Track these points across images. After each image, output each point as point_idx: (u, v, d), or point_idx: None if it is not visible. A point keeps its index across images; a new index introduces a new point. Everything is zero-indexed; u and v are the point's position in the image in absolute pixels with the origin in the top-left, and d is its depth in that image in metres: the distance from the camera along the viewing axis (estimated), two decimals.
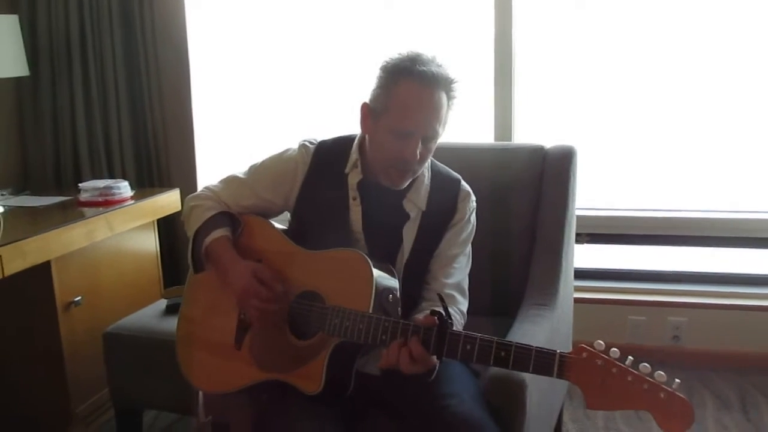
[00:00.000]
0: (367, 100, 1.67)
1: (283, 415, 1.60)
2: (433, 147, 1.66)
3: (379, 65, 1.64)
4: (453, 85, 1.63)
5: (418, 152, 1.60)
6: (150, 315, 2.43)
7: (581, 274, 2.91)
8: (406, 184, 1.69)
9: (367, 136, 1.71)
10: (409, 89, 1.59)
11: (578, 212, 2.25)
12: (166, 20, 3.14)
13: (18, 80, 3.16)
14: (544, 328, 1.87)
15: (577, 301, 2.40)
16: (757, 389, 2.83)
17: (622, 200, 3.22)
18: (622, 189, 3.22)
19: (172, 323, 1.88)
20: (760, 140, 3.04)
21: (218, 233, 1.75)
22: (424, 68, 1.58)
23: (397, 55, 1.63)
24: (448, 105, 1.63)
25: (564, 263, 2.12)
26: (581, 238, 3.00)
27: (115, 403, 2.43)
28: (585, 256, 3.07)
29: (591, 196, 3.00)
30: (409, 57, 1.61)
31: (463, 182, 1.82)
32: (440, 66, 1.61)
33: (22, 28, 2.96)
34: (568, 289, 2.24)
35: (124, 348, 2.33)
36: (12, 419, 2.58)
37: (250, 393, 1.70)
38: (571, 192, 2.17)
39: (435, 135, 1.63)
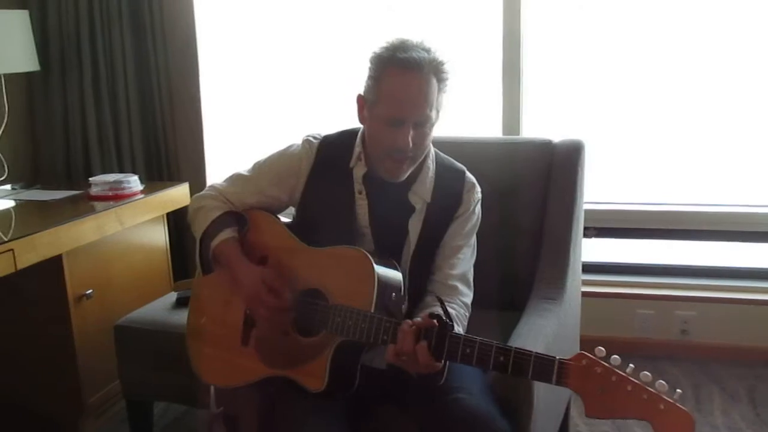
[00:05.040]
0: (361, 91, 1.68)
1: (290, 411, 1.61)
2: (429, 132, 1.64)
3: (369, 56, 1.64)
4: (442, 67, 1.61)
5: (410, 139, 1.59)
6: (160, 308, 2.45)
7: (589, 267, 2.90)
8: (406, 175, 1.67)
9: (365, 128, 1.71)
10: (394, 77, 1.58)
11: (586, 206, 2.25)
12: (175, 15, 3.14)
13: (29, 75, 3.18)
14: (551, 322, 1.87)
15: (585, 294, 2.39)
16: (766, 383, 2.82)
17: (630, 194, 3.21)
18: (630, 183, 3.21)
19: (181, 316, 1.90)
20: None
21: (225, 234, 1.75)
22: (407, 54, 1.57)
23: (384, 44, 1.63)
24: (439, 88, 1.61)
25: (572, 257, 2.12)
26: (589, 231, 2.99)
27: (126, 395, 2.45)
28: (593, 249, 3.07)
29: (599, 189, 3.00)
30: (393, 45, 1.61)
31: (467, 173, 1.81)
32: (426, 50, 1.60)
33: (32, 24, 2.98)
34: (576, 283, 2.24)
35: (134, 340, 2.35)
36: (25, 410, 2.60)
37: (258, 387, 1.71)
38: (579, 186, 2.16)
39: (427, 120, 1.60)
